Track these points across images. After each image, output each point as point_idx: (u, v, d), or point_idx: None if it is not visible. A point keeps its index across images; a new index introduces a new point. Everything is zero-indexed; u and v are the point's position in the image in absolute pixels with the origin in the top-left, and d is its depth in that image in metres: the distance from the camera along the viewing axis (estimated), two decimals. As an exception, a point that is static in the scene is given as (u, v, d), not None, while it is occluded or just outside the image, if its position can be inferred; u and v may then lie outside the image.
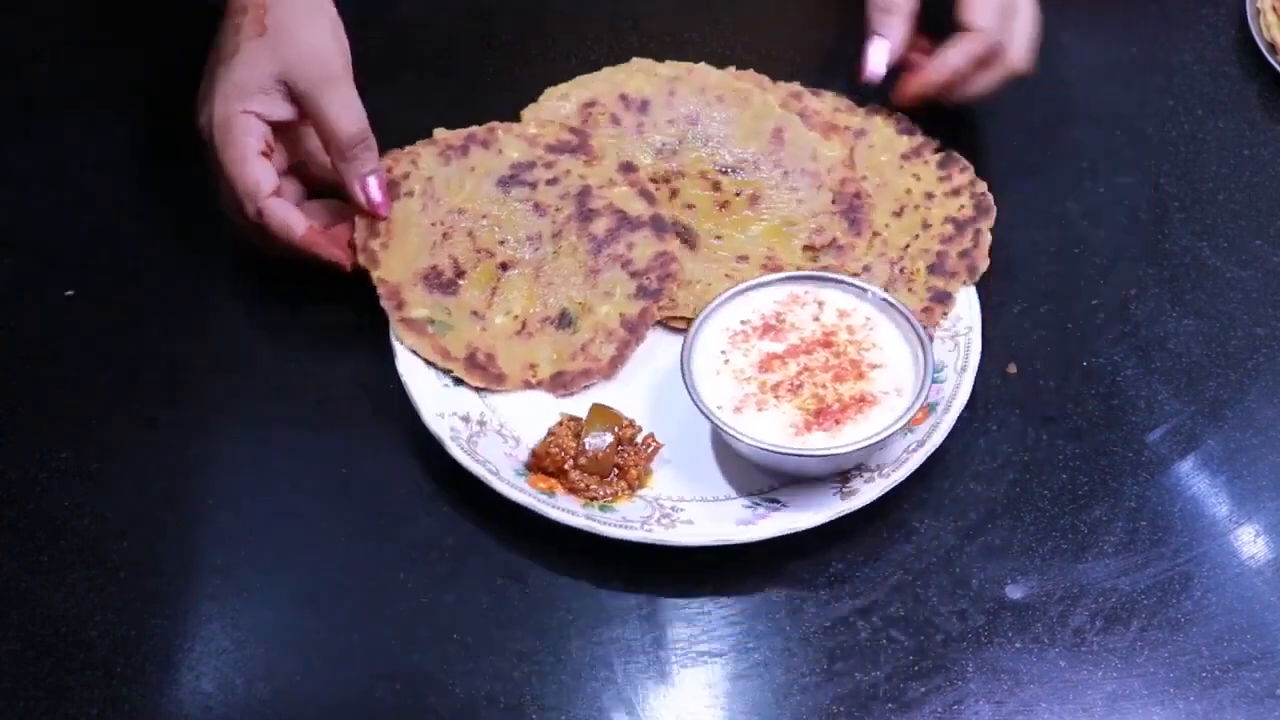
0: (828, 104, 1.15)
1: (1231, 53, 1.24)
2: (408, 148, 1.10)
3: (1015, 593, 0.92)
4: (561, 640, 0.90)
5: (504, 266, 1.06)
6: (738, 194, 1.10)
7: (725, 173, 1.11)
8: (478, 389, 1.01)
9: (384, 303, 1.04)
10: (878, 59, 1.11)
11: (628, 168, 1.09)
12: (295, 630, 0.91)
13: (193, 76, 1.23)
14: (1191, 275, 1.09)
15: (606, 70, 1.14)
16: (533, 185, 1.09)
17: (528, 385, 1.02)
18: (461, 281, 1.05)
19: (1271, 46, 1.22)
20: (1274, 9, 1.23)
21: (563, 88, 1.15)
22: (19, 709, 0.87)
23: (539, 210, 1.08)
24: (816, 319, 0.99)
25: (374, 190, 1.04)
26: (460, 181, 1.09)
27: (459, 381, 1.00)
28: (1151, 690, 0.88)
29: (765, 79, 1.16)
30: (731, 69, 1.17)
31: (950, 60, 1.09)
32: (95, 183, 1.16)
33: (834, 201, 1.08)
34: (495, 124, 1.12)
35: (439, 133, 1.11)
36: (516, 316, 1.05)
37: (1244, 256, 1.10)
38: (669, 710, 0.88)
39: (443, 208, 1.08)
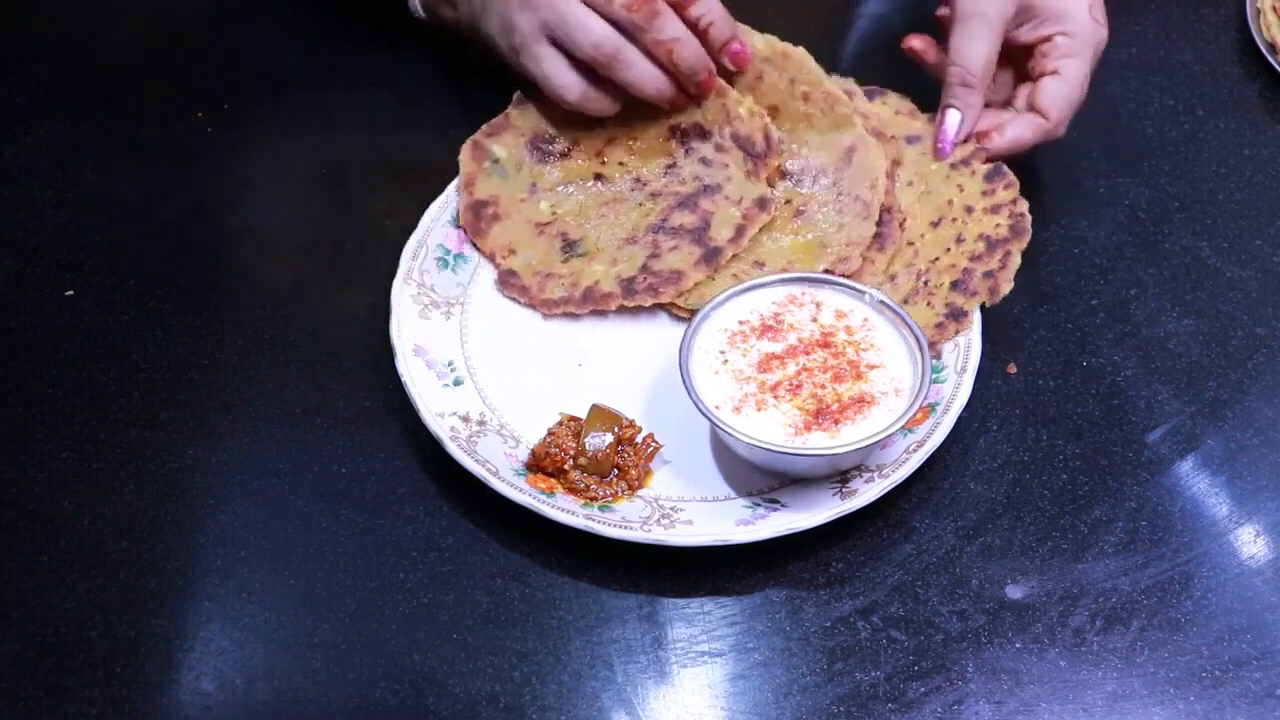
0: (890, 106, 1.10)
1: (1231, 53, 1.24)
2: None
3: (1015, 593, 0.92)
4: (561, 640, 0.90)
5: (598, 178, 1.08)
6: (786, 201, 1.07)
7: (783, 175, 1.08)
8: (471, 243, 1.06)
9: (487, 124, 1.10)
10: (952, 132, 1.08)
11: (763, 204, 1.05)
12: (295, 630, 0.91)
13: (195, 77, 1.24)
14: (1191, 275, 1.09)
15: None
16: (688, 152, 1.09)
17: (492, 259, 1.06)
18: (557, 160, 1.08)
19: (1271, 46, 1.22)
20: (1274, 9, 1.23)
21: None
22: (19, 709, 0.87)
23: (670, 170, 1.08)
24: (814, 320, 0.99)
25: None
26: (645, 104, 1.08)
27: (459, 382, 1.01)
28: (1151, 690, 0.88)
29: (850, 81, 1.11)
30: None
31: (1011, 136, 1.07)
32: (95, 183, 1.16)
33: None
34: (727, 87, 1.08)
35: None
36: (555, 214, 1.07)
37: (1244, 256, 1.10)
38: (669, 710, 0.88)
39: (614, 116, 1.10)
